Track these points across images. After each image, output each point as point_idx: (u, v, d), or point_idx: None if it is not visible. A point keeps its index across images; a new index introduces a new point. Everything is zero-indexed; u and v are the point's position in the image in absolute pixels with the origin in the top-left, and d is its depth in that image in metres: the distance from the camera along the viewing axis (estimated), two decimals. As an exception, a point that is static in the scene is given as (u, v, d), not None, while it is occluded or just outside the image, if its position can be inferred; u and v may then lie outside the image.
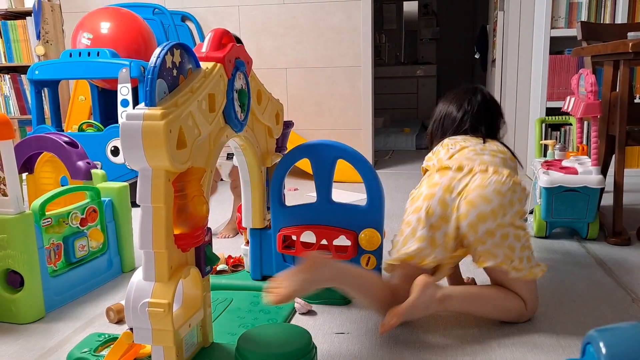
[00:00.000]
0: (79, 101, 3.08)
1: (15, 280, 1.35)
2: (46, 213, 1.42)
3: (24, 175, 1.80)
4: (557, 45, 3.00)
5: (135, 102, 2.32)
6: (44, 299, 1.38)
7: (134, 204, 1.04)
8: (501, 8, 3.33)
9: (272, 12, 3.34)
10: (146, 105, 0.87)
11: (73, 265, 1.50)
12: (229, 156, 1.91)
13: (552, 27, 2.94)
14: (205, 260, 1.03)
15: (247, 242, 1.49)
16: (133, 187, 0.99)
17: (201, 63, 1.03)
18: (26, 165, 1.76)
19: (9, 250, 1.32)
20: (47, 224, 1.42)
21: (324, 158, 1.34)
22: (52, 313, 1.41)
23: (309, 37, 3.35)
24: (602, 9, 2.89)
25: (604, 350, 0.60)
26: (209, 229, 1.04)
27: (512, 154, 1.34)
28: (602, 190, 1.87)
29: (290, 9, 3.32)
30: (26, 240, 1.33)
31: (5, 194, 1.30)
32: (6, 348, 1.23)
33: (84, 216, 1.53)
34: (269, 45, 3.37)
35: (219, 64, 1.04)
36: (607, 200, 2.01)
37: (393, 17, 6.81)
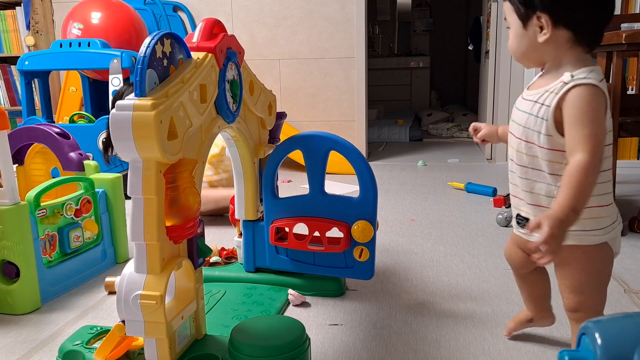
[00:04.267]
0: (69, 92, 3.05)
1: (10, 271, 1.35)
2: (41, 204, 1.41)
3: (14, 166, 1.78)
4: (550, 37, 3.00)
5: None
6: (40, 290, 1.38)
7: (127, 196, 1.03)
8: (495, -1, 3.32)
9: (265, 2, 3.31)
10: (136, 95, 0.86)
11: (68, 256, 1.50)
12: None
13: (546, 18, 2.93)
14: (197, 252, 1.02)
15: (240, 234, 1.48)
16: (126, 179, 1.00)
17: (192, 53, 1.02)
18: (16, 156, 1.74)
19: (5, 241, 1.32)
20: (42, 214, 1.41)
21: (316, 150, 1.33)
22: (47, 304, 1.41)
23: (302, 28, 3.33)
24: (596, 0, 2.88)
25: (599, 341, 0.60)
26: (202, 220, 1.04)
27: None
28: (594, 181, 1.87)
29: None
30: (21, 231, 1.33)
31: (0, 185, 1.29)
32: (-3, 341, 1.23)
33: (78, 207, 1.53)
34: (262, 36, 3.35)
35: (210, 54, 1.03)
36: (600, 191, 2.02)
37: (386, 8, 6.78)
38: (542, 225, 0.79)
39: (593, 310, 0.94)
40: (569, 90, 0.85)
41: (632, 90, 2.78)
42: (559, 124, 0.87)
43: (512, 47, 0.94)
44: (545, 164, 0.90)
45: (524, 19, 0.90)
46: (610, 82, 1.94)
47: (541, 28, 0.88)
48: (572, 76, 0.86)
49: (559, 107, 0.86)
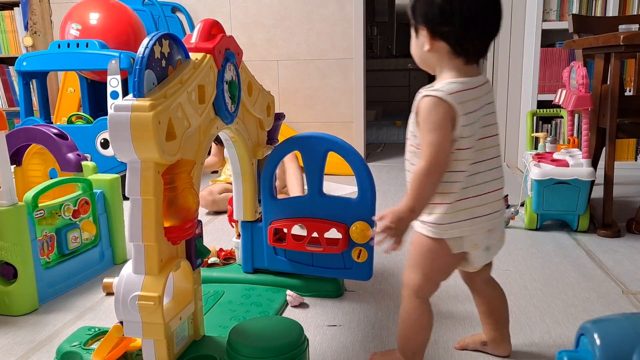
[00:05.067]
0: (67, 93, 3.05)
1: (8, 272, 1.34)
2: (39, 205, 1.41)
3: (12, 167, 1.78)
4: (548, 38, 3.01)
5: (125, 94, 2.30)
6: (37, 291, 1.38)
7: (125, 197, 1.03)
8: (493, 0, 3.32)
9: (264, 3, 3.31)
10: (134, 96, 0.86)
11: (66, 257, 1.50)
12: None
13: (544, 20, 2.94)
14: (196, 253, 1.02)
15: (239, 235, 1.48)
16: (124, 179, 0.99)
17: (191, 54, 1.02)
18: (14, 157, 1.73)
19: (2, 242, 1.32)
20: (39, 215, 1.41)
21: (314, 150, 1.33)
22: (45, 305, 1.40)
23: (300, 29, 3.33)
24: (594, 1, 2.89)
25: (598, 342, 0.61)
26: (200, 221, 1.03)
27: None
28: (592, 182, 1.88)
29: (282, 0, 3.29)
30: (19, 232, 1.32)
31: (-4, 186, 1.29)
32: (-5, 342, 1.22)
33: (76, 208, 1.52)
34: (261, 37, 3.35)
35: (208, 55, 1.03)
36: (598, 192, 2.02)
37: (385, 9, 6.79)
38: (384, 218, 0.92)
39: (413, 291, 1.01)
40: (421, 98, 0.95)
41: (630, 91, 2.78)
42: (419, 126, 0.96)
43: (412, 53, 1.03)
44: (412, 158, 1.00)
45: (415, 29, 0.99)
46: (608, 83, 1.94)
47: (425, 38, 0.97)
48: (431, 86, 0.95)
49: (416, 112, 0.96)
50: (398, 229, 0.91)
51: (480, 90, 0.96)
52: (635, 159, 3.00)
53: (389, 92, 6.32)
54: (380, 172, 3.14)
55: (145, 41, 0.88)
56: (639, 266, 1.60)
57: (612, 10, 2.84)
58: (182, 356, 1.00)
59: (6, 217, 1.30)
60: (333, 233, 1.33)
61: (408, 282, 1.02)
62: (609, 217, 1.89)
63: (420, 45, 0.99)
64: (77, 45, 2.47)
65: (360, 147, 3.37)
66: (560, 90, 1.99)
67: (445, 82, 0.96)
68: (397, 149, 4.07)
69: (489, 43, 0.97)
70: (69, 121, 2.57)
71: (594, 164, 2.04)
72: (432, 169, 0.92)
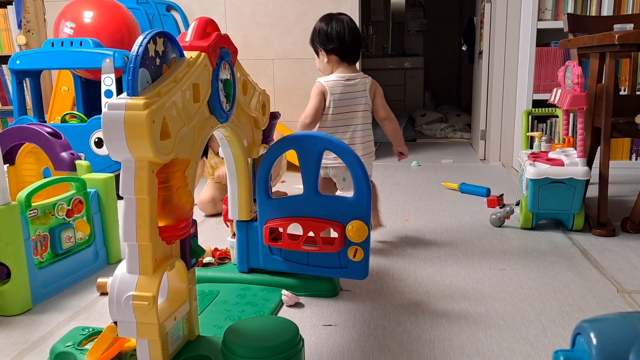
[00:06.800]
0: (61, 92, 3.03)
1: (1, 272, 1.33)
2: (32, 204, 1.40)
3: (5, 166, 1.76)
4: (543, 38, 3.01)
5: (119, 93, 2.29)
6: (31, 291, 1.37)
7: (120, 197, 1.02)
8: (488, 0, 3.33)
9: (259, 2, 3.31)
10: (128, 94, 0.85)
11: (59, 257, 1.49)
12: None
13: (539, 19, 2.94)
14: (190, 252, 1.02)
15: (234, 235, 1.47)
16: (118, 179, 0.99)
17: (185, 52, 1.01)
18: (7, 156, 1.72)
19: (-5, 242, 1.30)
20: (33, 215, 1.40)
21: (310, 149, 1.32)
22: (39, 305, 1.39)
23: (296, 28, 3.32)
24: (589, 1, 2.90)
25: (594, 341, 0.60)
26: (194, 221, 1.03)
27: None
28: (587, 181, 1.88)
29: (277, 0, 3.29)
30: (12, 231, 1.32)
31: (-12, 186, 1.28)
32: (-13, 343, 1.21)
33: (70, 207, 1.51)
34: (256, 36, 3.34)
35: (203, 53, 1.03)
36: (593, 191, 2.03)
37: (380, 9, 6.78)
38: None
39: None
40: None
41: (624, 91, 2.79)
42: None
43: (317, 67, 1.74)
44: None
45: (316, 52, 1.72)
46: (603, 82, 1.94)
47: (323, 55, 1.69)
48: (323, 77, 1.70)
49: None
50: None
51: (352, 82, 1.68)
52: (630, 158, 3.01)
53: (384, 91, 6.30)
54: (375, 171, 3.14)
55: (139, 39, 0.87)
56: (634, 265, 1.61)
57: (607, 10, 2.85)
58: (176, 356, 0.99)
59: (-1, 216, 1.29)
60: (329, 232, 1.32)
61: None
62: (604, 216, 1.90)
63: (321, 60, 1.70)
64: (71, 43, 2.45)
65: (355, 146, 3.36)
66: (555, 89, 2.00)
67: (331, 75, 1.69)
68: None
69: (359, 51, 1.70)
70: (63, 120, 2.55)
71: (589, 163, 2.04)
72: (303, 116, 1.66)
